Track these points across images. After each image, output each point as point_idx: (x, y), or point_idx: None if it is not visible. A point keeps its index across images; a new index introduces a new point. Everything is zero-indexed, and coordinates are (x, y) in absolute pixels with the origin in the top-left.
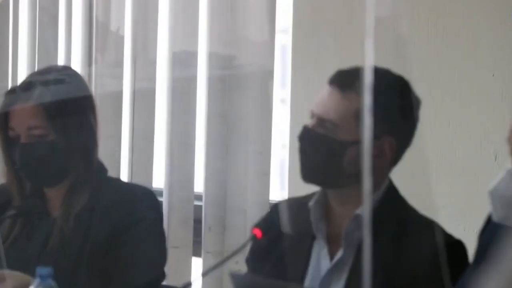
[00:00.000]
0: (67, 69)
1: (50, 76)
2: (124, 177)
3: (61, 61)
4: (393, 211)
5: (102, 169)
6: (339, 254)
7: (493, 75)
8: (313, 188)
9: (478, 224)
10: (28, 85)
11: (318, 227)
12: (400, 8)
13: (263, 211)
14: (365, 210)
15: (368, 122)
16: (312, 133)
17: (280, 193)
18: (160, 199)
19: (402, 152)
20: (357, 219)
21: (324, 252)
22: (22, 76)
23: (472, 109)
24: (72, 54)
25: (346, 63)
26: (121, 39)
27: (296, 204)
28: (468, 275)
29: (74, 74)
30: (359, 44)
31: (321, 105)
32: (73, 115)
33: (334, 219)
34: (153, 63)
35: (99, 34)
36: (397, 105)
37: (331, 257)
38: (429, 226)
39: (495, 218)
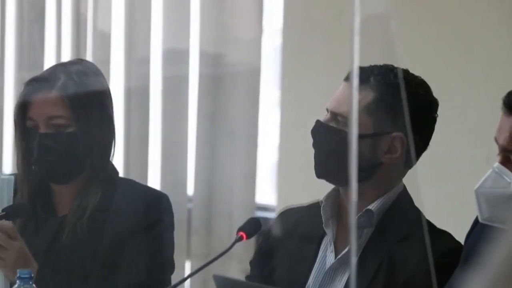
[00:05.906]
0: (88, 62)
1: (73, 68)
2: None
3: (49, 58)
4: (406, 217)
5: (114, 169)
6: (345, 250)
7: (485, 79)
8: (305, 193)
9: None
10: (50, 75)
11: (328, 223)
12: (391, 9)
13: (249, 213)
14: (352, 217)
15: (355, 119)
16: (324, 127)
17: (268, 196)
18: None
19: (418, 154)
20: (367, 214)
21: (331, 248)
22: (9, 73)
23: (464, 113)
24: (60, 51)
25: (337, 65)
26: (108, 38)
27: (301, 212)
28: (455, 278)
29: (95, 68)
30: (349, 45)
31: (334, 100)
32: (95, 109)
33: (345, 216)
34: (145, 61)
35: (87, 32)
36: (413, 104)
37: (338, 254)
38: (444, 239)
39: (481, 218)
